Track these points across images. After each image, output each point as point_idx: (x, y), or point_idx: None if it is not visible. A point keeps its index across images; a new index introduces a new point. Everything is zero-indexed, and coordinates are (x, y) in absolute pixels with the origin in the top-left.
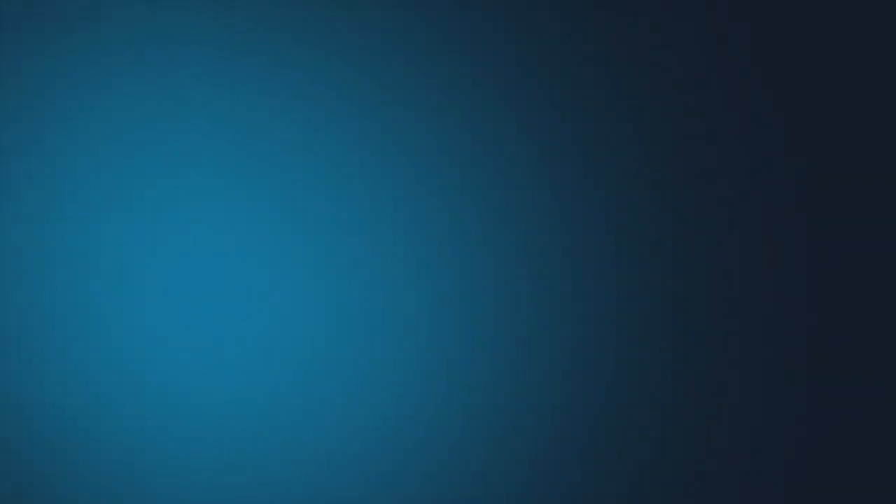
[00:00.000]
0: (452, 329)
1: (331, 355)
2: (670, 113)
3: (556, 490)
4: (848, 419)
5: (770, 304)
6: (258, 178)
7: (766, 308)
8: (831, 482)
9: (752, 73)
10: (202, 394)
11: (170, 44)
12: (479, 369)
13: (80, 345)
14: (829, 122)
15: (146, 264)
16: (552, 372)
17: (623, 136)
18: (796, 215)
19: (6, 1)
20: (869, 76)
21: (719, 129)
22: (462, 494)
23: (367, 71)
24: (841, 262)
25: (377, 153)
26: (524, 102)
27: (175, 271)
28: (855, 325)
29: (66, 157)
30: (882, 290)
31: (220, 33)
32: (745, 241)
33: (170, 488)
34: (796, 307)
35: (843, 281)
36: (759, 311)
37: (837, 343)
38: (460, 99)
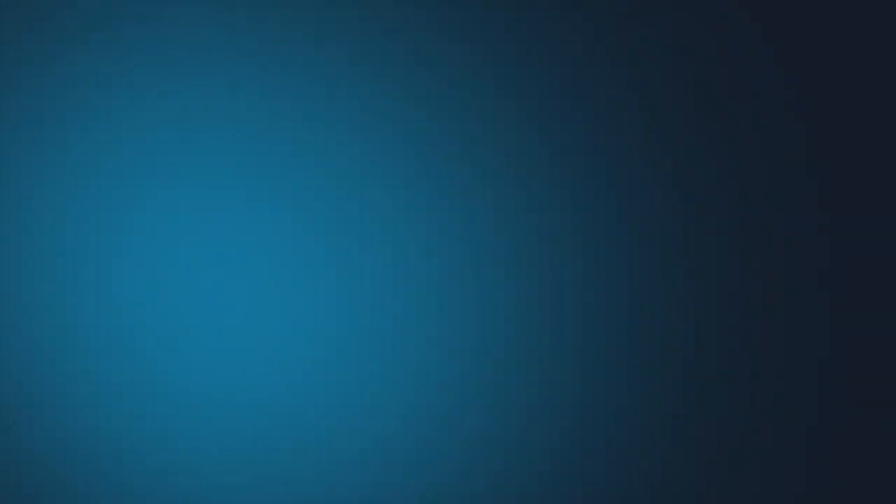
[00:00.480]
0: (464, 329)
1: (339, 356)
2: (684, 114)
3: (571, 490)
4: (863, 423)
5: (782, 305)
6: (266, 179)
7: (778, 308)
8: (844, 485)
9: (765, 74)
10: (214, 393)
11: (177, 45)
12: (489, 370)
13: (86, 345)
14: (845, 120)
15: (155, 264)
16: (563, 372)
17: (636, 136)
18: (809, 218)
19: (17, 9)
20: (883, 74)
21: (732, 130)
22: (472, 494)
23: (375, 71)
24: (855, 262)
25: (386, 153)
26: (536, 102)
27: (190, 272)
28: (870, 325)
29: (70, 158)
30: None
31: (226, 35)
32: (758, 242)
33: (175, 489)
34: (810, 309)
35: (858, 281)
36: (772, 310)
37: (851, 344)
38: (472, 99)
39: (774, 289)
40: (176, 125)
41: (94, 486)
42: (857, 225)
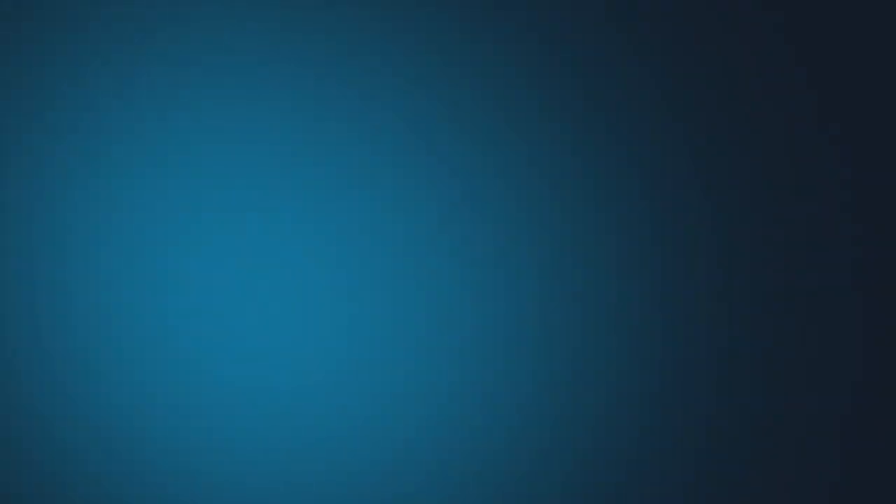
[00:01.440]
0: (479, 331)
1: (348, 358)
2: (707, 110)
3: (592, 495)
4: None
5: (810, 306)
6: (277, 179)
7: (805, 310)
8: (873, 488)
9: (788, 71)
10: (221, 394)
11: (179, 45)
12: (504, 373)
13: (87, 346)
14: (871, 116)
15: (164, 265)
16: (583, 375)
17: (658, 135)
18: (836, 216)
19: (16, 8)
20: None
21: (755, 127)
22: (485, 496)
23: (382, 71)
24: (882, 258)
25: (399, 152)
26: (547, 102)
27: (200, 273)
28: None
29: (73, 159)
30: None
31: (231, 34)
32: (786, 246)
33: (181, 489)
34: (837, 309)
35: (887, 277)
36: (800, 313)
37: (881, 344)
38: (486, 97)
39: (802, 290)
40: (180, 125)
41: (99, 486)
42: (886, 222)
